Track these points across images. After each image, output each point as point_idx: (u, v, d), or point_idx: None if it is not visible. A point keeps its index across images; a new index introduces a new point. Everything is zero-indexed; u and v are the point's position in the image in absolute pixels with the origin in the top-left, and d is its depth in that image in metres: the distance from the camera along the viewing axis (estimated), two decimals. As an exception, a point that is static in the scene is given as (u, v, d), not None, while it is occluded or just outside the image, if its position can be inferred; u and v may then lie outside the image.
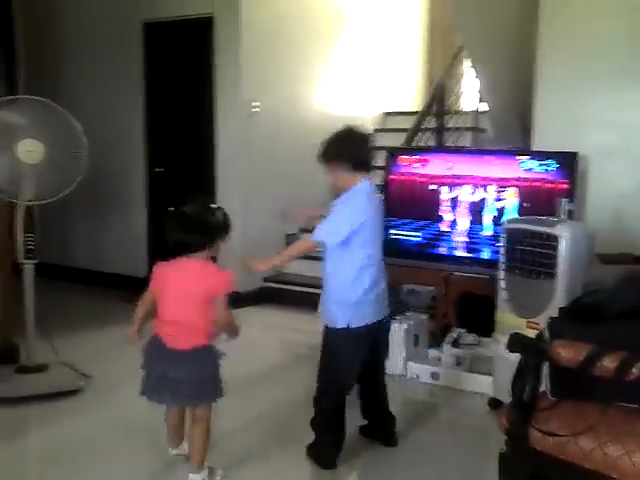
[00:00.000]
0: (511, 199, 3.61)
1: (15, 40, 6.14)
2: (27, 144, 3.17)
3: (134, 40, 5.60)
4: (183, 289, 2.31)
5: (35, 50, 6.14)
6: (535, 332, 2.33)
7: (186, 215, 2.33)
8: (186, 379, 2.27)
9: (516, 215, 3.52)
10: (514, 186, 3.61)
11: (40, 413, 3.08)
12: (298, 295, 5.19)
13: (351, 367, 2.60)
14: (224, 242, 2.38)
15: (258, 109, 5.25)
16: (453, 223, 3.80)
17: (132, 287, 5.50)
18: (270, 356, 3.98)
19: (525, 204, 3.56)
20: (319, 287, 4.92)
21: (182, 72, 5.51)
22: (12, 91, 4.86)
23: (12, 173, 3.20)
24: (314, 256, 5.42)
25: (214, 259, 2.44)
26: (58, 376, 3.34)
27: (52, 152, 3.22)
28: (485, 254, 3.71)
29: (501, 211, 3.64)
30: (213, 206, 2.39)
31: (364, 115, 6.61)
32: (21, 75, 6.15)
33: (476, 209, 3.73)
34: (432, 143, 5.60)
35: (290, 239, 5.61)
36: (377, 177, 4.98)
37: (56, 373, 3.35)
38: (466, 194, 3.76)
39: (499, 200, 3.66)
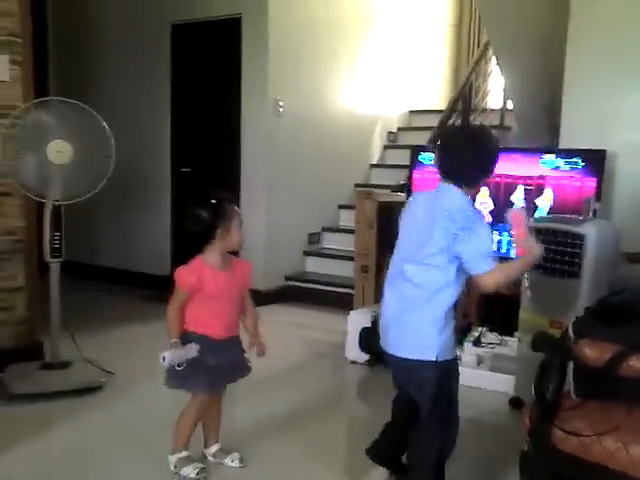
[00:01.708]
0: (537, 197, 3.58)
1: (47, 43, 6.25)
2: (57, 145, 3.21)
3: (162, 42, 5.67)
4: (222, 286, 2.40)
5: (65, 52, 6.25)
6: (559, 332, 2.30)
7: (187, 214, 2.41)
8: (235, 362, 2.46)
9: (543, 213, 3.48)
10: (541, 185, 3.57)
11: (63, 409, 3.11)
12: (320, 293, 5.21)
13: None
14: (231, 233, 2.39)
15: (282, 108, 5.27)
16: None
17: (156, 286, 5.62)
18: (291, 354, 3.99)
19: (552, 203, 3.53)
20: (340, 286, 5.00)
21: (209, 73, 5.55)
22: (43, 93, 4.93)
23: (41, 173, 3.24)
24: (337, 255, 5.46)
25: (236, 253, 2.51)
26: (81, 373, 3.37)
27: (80, 153, 3.25)
28: (510, 252, 3.68)
29: (527, 209, 3.60)
30: (212, 199, 2.40)
31: (389, 114, 6.61)
32: (52, 77, 6.26)
33: (501, 207, 3.69)
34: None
35: (312, 238, 5.64)
36: (402, 175, 4.99)
37: (79, 370, 3.39)
38: (492, 192, 3.73)
39: (525, 198, 3.63)
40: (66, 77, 6.14)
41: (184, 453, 2.48)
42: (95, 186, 3.32)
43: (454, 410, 2.26)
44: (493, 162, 2.21)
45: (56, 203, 3.30)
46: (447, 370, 2.18)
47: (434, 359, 2.12)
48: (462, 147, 2.19)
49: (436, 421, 2.18)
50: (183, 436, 2.48)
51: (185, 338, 2.38)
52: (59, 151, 3.22)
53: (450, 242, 2.07)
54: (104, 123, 3.33)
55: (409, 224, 2.26)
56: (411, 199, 2.38)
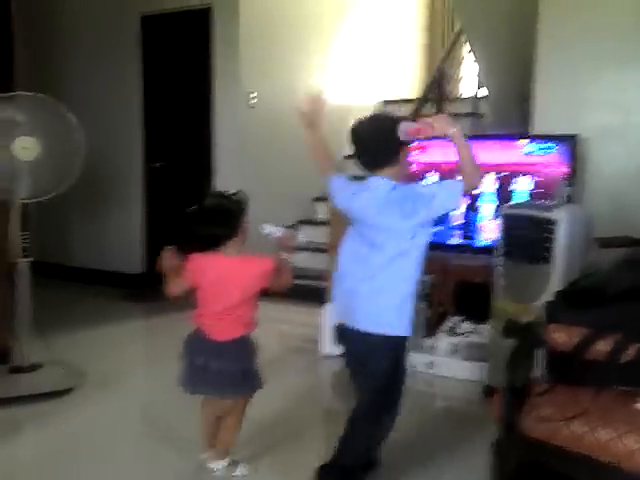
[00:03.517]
0: (512, 184, 3.58)
1: (13, 36, 6.14)
2: (23, 141, 3.15)
3: (132, 34, 5.59)
4: (228, 281, 2.28)
5: (32, 46, 6.12)
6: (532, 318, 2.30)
7: (210, 209, 2.29)
8: (228, 370, 2.28)
9: (518, 199, 3.48)
10: (514, 171, 3.57)
11: (34, 413, 3.05)
12: (295, 287, 5.16)
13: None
14: (246, 227, 2.33)
15: (254, 100, 5.23)
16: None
17: (129, 284, 5.56)
18: (265, 349, 3.92)
19: (527, 189, 3.52)
20: (316, 279, 4.96)
21: (180, 64, 5.48)
22: (9, 87, 4.83)
23: (7, 170, 3.16)
24: (312, 247, 5.43)
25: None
26: (52, 375, 3.31)
27: (48, 149, 3.19)
28: (482, 241, 3.68)
29: (500, 196, 3.60)
30: (229, 193, 2.34)
31: (363, 103, 6.57)
32: (18, 71, 6.14)
33: (474, 195, 3.69)
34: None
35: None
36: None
37: (50, 372, 3.33)
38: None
39: (498, 185, 3.62)
40: (33, 72, 6.01)
41: (231, 458, 2.45)
42: (64, 183, 3.26)
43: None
44: (394, 139, 2.21)
45: (23, 201, 3.24)
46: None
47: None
48: (367, 138, 2.25)
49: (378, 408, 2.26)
50: (233, 440, 2.44)
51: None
52: (25, 147, 3.15)
53: (418, 220, 2.15)
54: (72, 118, 3.26)
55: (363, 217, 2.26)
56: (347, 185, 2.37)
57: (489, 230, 3.64)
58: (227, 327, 2.29)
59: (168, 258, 2.33)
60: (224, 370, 2.26)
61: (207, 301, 2.31)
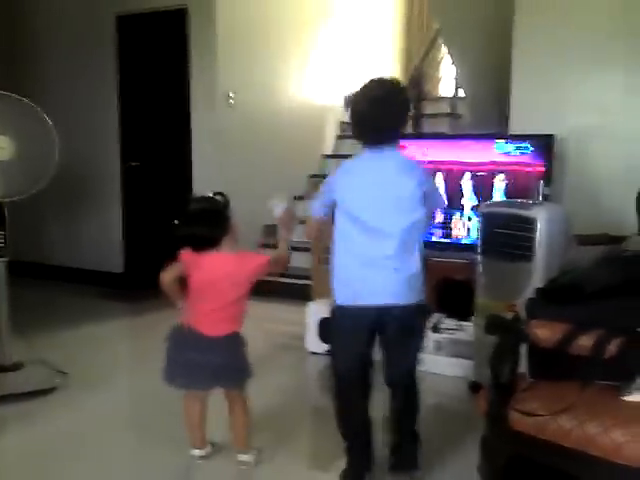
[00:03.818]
0: (488, 183, 3.62)
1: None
2: (-3, 140, 3.12)
3: (107, 34, 5.54)
4: (222, 277, 2.31)
5: (6, 45, 6.04)
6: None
7: (199, 212, 2.32)
8: (224, 364, 2.33)
9: (495, 199, 3.52)
10: (491, 170, 3.61)
11: (18, 412, 3.03)
12: (278, 285, 5.17)
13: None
14: (235, 225, 2.37)
15: (233, 100, 5.22)
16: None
17: (109, 283, 5.52)
18: (251, 347, 3.92)
19: (504, 188, 3.57)
20: (298, 277, 4.96)
21: (157, 65, 5.45)
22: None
23: (-19, 170, 3.14)
24: (295, 246, 5.42)
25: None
26: (34, 374, 3.29)
27: (22, 149, 3.17)
28: (463, 239, 3.71)
29: (478, 195, 3.64)
30: (213, 195, 2.37)
31: (340, 104, 6.59)
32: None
33: (454, 194, 3.72)
34: (409, 130, 5.58)
35: (268, 229, 5.60)
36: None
37: (32, 371, 3.31)
38: (443, 179, 3.75)
39: (476, 185, 3.66)
40: (7, 72, 5.94)
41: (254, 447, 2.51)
42: (39, 183, 3.23)
43: None
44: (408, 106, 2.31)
45: (-2, 200, 3.20)
46: None
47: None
48: (394, 96, 2.22)
49: None
50: (249, 430, 2.49)
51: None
52: (0, 147, 3.12)
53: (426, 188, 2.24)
54: (46, 117, 3.24)
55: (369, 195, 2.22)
56: (351, 168, 2.31)
57: (469, 228, 3.68)
58: (220, 323, 2.33)
59: (172, 272, 2.35)
60: (215, 363, 2.31)
61: (202, 298, 2.32)
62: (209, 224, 2.30)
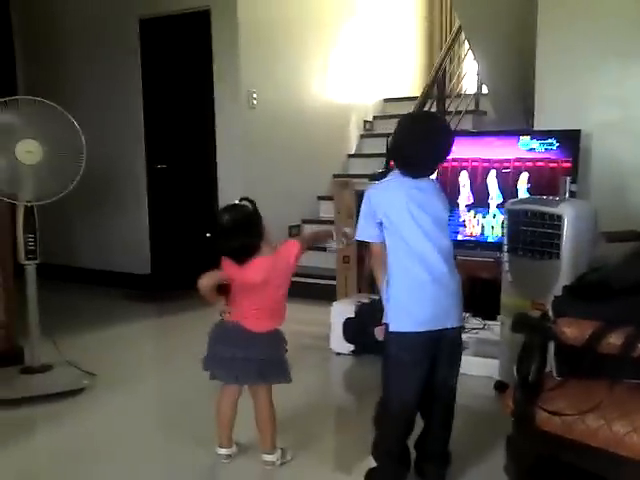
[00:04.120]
0: (515, 180, 3.58)
1: (13, 40, 6.14)
2: (26, 145, 3.16)
3: (131, 37, 5.60)
4: (267, 280, 2.34)
5: (33, 49, 6.14)
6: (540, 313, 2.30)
7: (233, 223, 2.32)
8: (268, 359, 2.40)
9: (522, 196, 3.48)
10: (517, 167, 3.57)
11: (46, 413, 3.07)
12: (302, 285, 5.17)
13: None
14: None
15: (256, 100, 5.24)
16: (457, 206, 3.77)
17: (136, 285, 5.57)
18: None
19: (529, 184, 3.53)
20: (323, 277, 4.97)
21: (180, 66, 5.49)
22: (11, 91, 4.85)
23: (11, 174, 3.19)
24: (315, 246, 5.42)
25: None
26: (63, 376, 3.33)
27: (51, 152, 3.21)
28: (489, 237, 3.68)
29: (504, 191, 3.60)
30: (242, 203, 2.38)
31: (364, 102, 6.58)
32: (20, 76, 6.16)
33: (480, 191, 3.69)
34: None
35: (293, 230, 5.61)
36: (379, 164, 4.98)
37: (61, 373, 3.35)
38: (469, 177, 3.73)
39: (501, 182, 3.63)
40: (34, 76, 6.05)
41: (278, 447, 2.52)
42: (68, 185, 3.28)
43: None
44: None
45: (28, 204, 3.25)
46: None
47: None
48: (444, 136, 2.22)
49: None
50: (275, 431, 2.50)
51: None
52: (29, 151, 3.18)
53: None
54: (73, 121, 3.28)
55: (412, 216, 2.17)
56: (393, 189, 2.23)
57: (495, 226, 3.64)
58: (265, 320, 2.39)
59: (211, 279, 2.35)
60: (260, 358, 2.37)
61: (247, 298, 2.37)
62: (245, 234, 2.31)
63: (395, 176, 2.24)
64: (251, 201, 2.38)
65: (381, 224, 2.20)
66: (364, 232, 2.26)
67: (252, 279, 2.32)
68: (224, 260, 2.36)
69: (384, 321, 2.23)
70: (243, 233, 2.31)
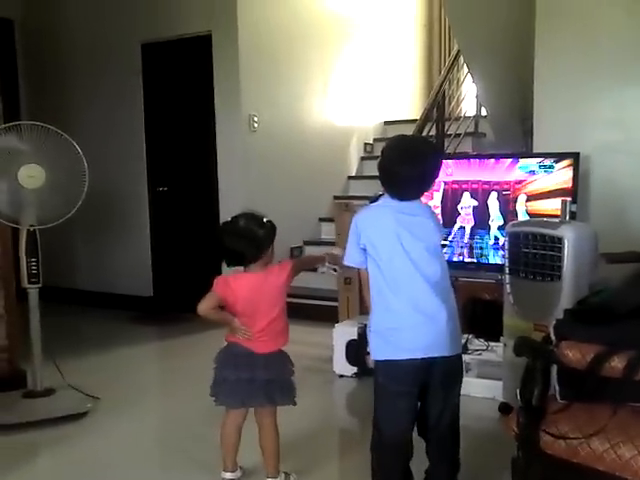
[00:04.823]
0: (515, 202, 3.60)
1: (16, 66, 6.20)
2: (28, 169, 3.19)
3: (133, 62, 5.66)
4: (264, 297, 2.37)
5: (35, 75, 6.20)
6: (542, 335, 2.30)
7: (240, 228, 2.37)
8: (275, 380, 2.40)
9: (522, 218, 3.50)
10: (517, 189, 3.60)
11: (49, 437, 3.06)
12: (304, 307, 5.18)
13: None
14: (272, 250, 2.42)
15: (257, 123, 5.28)
16: (458, 229, 3.79)
17: (139, 307, 5.58)
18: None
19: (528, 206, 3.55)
20: (324, 299, 4.97)
21: (182, 91, 5.55)
22: (14, 116, 4.90)
23: (14, 198, 3.21)
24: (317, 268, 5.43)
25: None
26: (66, 399, 3.33)
27: (53, 177, 3.23)
28: (491, 258, 3.70)
29: (505, 214, 3.62)
30: (262, 218, 2.42)
31: (364, 125, 6.63)
32: (23, 101, 6.20)
33: (480, 214, 3.71)
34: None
35: (295, 252, 5.63)
36: (379, 186, 5.00)
37: (63, 396, 3.34)
38: (469, 199, 3.75)
39: (502, 204, 3.65)
40: (37, 100, 6.10)
41: (282, 471, 2.52)
42: (70, 209, 3.30)
43: None
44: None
45: (31, 228, 3.26)
46: None
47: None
48: (431, 158, 2.21)
49: None
50: (279, 454, 2.50)
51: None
52: (31, 176, 3.20)
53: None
54: (76, 145, 3.31)
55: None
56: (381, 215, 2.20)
57: (497, 248, 3.66)
58: (269, 342, 2.40)
59: (208, 302, 2.36)
60: (267, 380, 2.38)
61: (247, 321, 2.37)
62: (250, 243, 2.34)
63: (384, 200, 2.22)
64: (271, 223, 2.43)
65: (365, 250, 2.18)
66: (351, 257, 2.23)
67: (238, 293, 2.33)
68: (216, 280, 2.37)
69: (368, 349, 2.23)
70: (249, 241, 2.33)
